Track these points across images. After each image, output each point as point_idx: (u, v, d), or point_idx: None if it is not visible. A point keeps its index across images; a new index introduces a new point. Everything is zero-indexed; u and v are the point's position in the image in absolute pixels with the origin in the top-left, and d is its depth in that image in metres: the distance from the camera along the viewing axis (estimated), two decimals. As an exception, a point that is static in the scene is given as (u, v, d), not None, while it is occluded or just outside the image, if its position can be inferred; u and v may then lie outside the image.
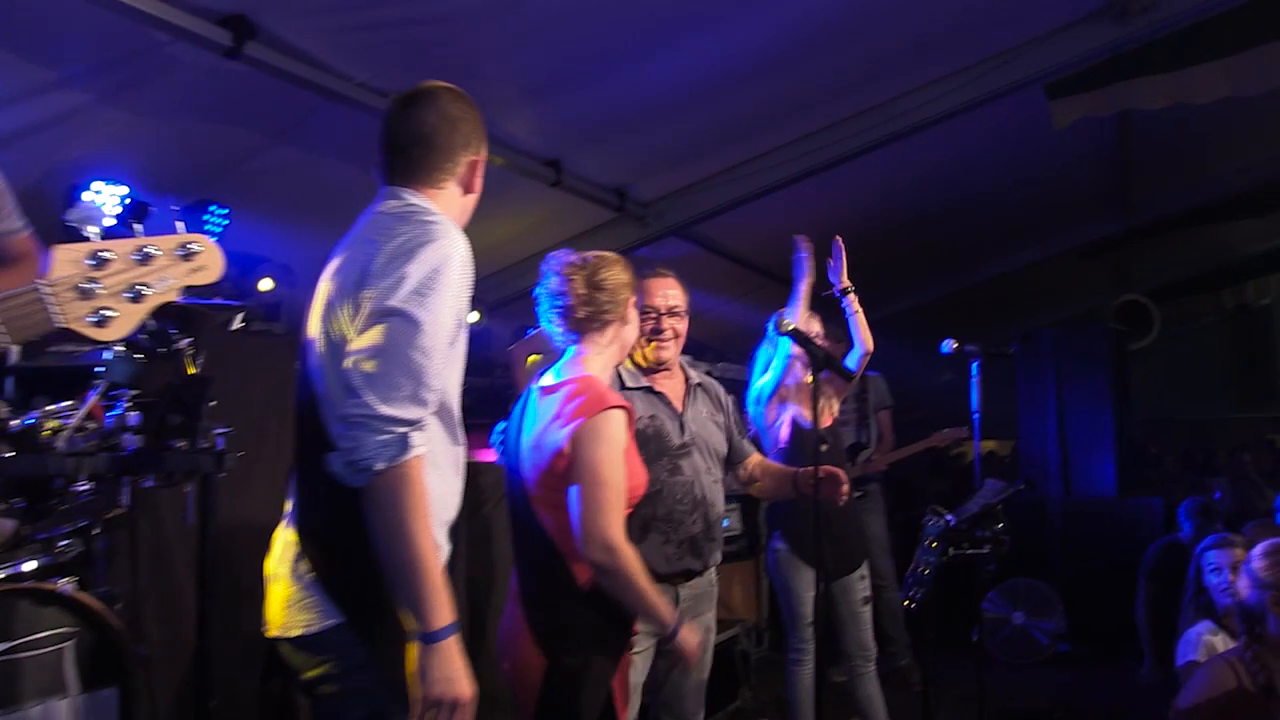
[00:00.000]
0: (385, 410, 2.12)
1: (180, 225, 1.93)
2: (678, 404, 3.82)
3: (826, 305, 4.88)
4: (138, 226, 1.98)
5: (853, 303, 4.89)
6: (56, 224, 4.73)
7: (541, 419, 3.00)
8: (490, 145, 5.55)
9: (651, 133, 6.30)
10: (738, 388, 5.15)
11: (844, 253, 4.87)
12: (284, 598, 2.32)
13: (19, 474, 3.16)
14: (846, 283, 4.88)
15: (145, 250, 1.85)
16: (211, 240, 1.90)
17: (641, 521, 3.60)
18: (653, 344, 3.77)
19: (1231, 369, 13.83)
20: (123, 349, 3.54)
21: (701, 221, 7.47)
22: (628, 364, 3.79)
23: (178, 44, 4.22)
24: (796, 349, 4.75)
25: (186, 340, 3.63)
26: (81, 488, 3.20)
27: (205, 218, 5.10)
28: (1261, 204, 10.09)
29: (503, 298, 7.64)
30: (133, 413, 3.35)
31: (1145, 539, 7.14)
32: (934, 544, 4.06)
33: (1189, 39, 6.20)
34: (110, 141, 4.72)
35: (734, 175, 7.18)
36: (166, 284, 1.86)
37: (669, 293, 3.81)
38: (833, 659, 5.22)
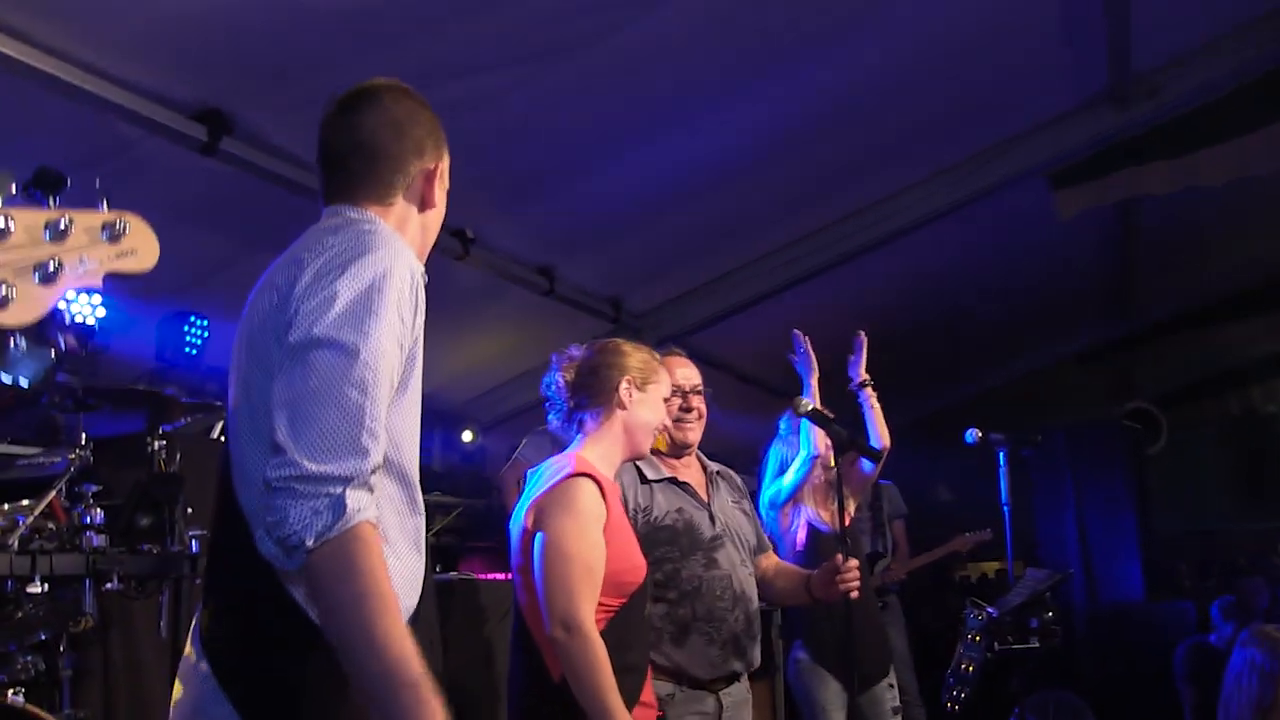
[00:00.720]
0: (313, 468, 1.65)
1: (105, 201, 1.63)
2: (703, 494, 3.58)
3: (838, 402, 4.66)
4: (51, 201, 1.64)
5: (870, 397, 4.70)
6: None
7: (521, 503, 2.84)
8: (482, 250, 5.50)
9: (639, 238, 6.17)
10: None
11: (864, 346, 4.74)
12: (181, 707, 1.86)
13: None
14: (865, 376, 4.72)
15: (59, 224, 1.52)
16: (143, 221, 1.60)
17: (680, 624, 3.35)
18: (679, 425, 3.56)
19: (1238, 478, 13.57)
20: (29, 343, 3.24)
21: (696, 332, 7.29)
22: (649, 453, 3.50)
23: (150, 140, 4.04)
24: (817, 437, 4.56)
25: (160, 435, 3.36)
26: (34, 590, 2.88)
27: (185, 328, 4.89)
28: (1265, 301, 9.99)
29: (497, 416, 7.40)
30: (97, 510, 3.05)
31: (1175, 645, 6.78)
32: (977, 639, 3.75)
33: (1194, 122, 6.10)
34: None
35: (727, 282, 7.08)
36: (85, 267, 1.51)
37: (688, 371, 3.63)
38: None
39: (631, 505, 3.41)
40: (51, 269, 1.47)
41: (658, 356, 3.11)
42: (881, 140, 5.92)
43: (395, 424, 1.84)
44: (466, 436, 7.11)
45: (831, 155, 5.89)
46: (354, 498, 1.67)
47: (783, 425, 4.64)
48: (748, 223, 6.42)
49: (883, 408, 4.68)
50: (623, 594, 2.76)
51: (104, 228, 1.53)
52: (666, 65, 4.78)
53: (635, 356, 3.00)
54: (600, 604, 2.69)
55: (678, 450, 3.58)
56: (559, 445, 5.08)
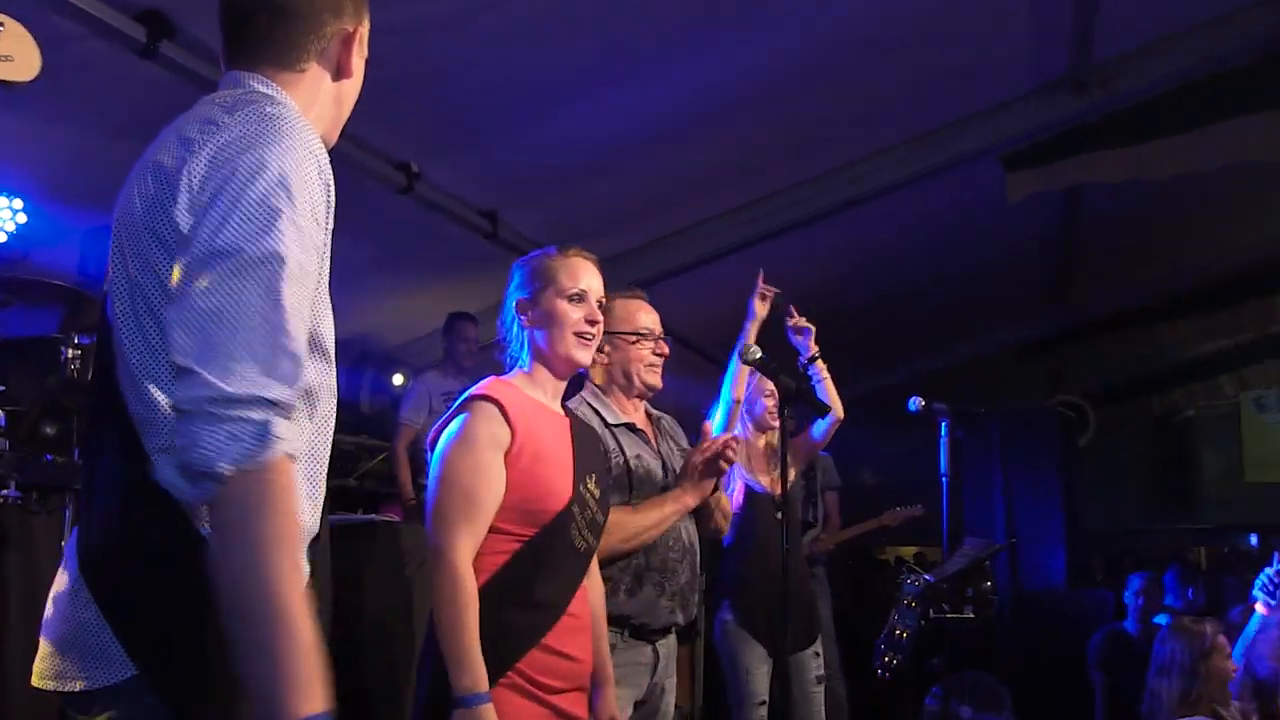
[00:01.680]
0: (231, 389, 1.45)
1: None
2: (653, 441, 3.53)
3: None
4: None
5: (821, 369, 4.69)
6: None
7: None
8: (427, 187, 5.34)
9: (583, 190, 6.03)
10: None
11: (808, 326, 4.75)
12: (59, 639, 1.65)
13: None
14: (814, 349, 4.70)
15: None
16: (19, 25, 1.39)
17: (635, 573, 3.29)
18: (651, 369, 3.48)
19: (1154, 479, 13.77)
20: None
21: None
22: (598, 395, 3.49)
23: (88, 40, 3.79)
24: (755, 386, 4.54)
25: (75, 343, 3.15)
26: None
27: (111, 241, 4.66)
28: (1200, 303, 10.09)
29: (429, 361, 7.20)
30: (-3, 415, 2.85)
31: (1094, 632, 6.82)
32: (912, 604, 3.68)
33: (1148, 113, 6.10)
34: (6, 148, 4.28)
35: (671, 242, 6.93)
36: None
37: (653, 316, 3.56)
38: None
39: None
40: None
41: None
42: (841, 108, 5.84)
43: (307, 328, 1.61)
44: (397, 380, 6.95)
45: (789, 120, 5.79)
46: (278, 425, 1.48)
47: (727, 375, 4.53)
48: (696, 183, 6.31)
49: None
50: (534, 523, 2.62)
51: None
52: (636, 9, 4.65)
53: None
54: (507, 533, 2.59)
55: (643, 393, 3.51)
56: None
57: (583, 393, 3.57)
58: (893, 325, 9.27)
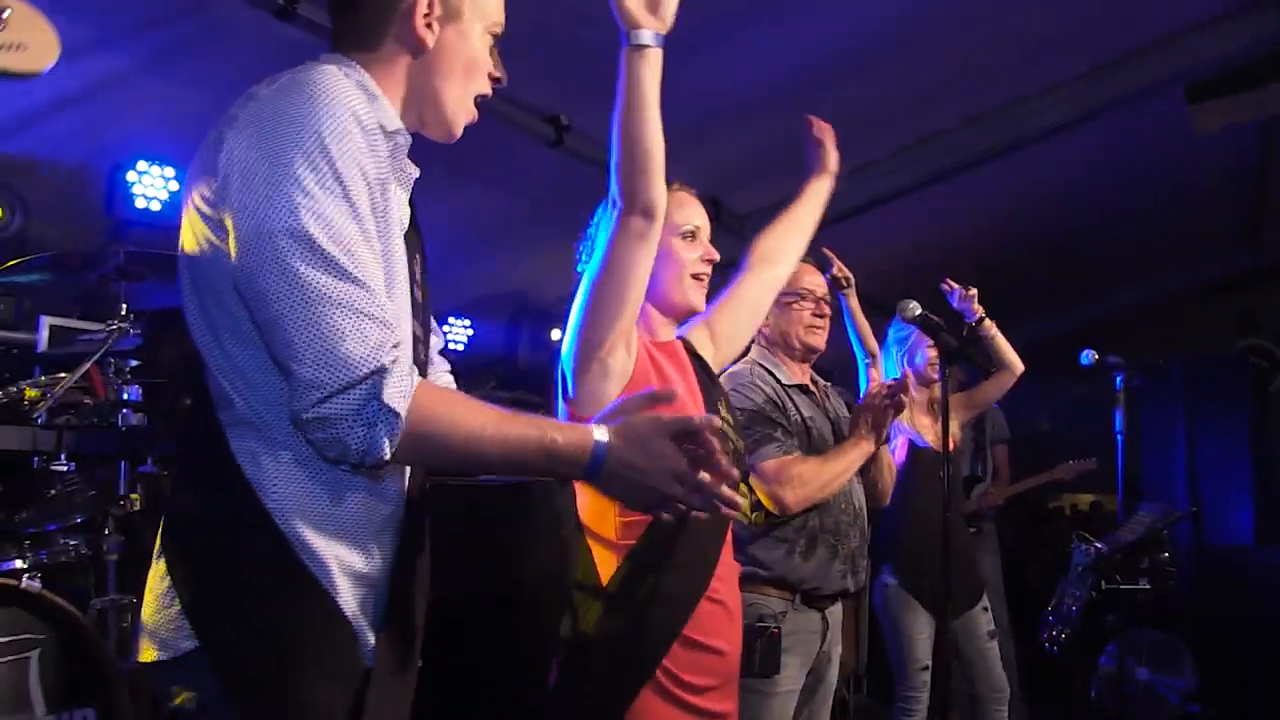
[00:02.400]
0: (333, 382, 1.48)
1: None
2: (823, 403, 3.55)
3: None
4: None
5: (990, 328, 4.53)
6: (99, 209, 4.42)
7: None
8: (577, 139, 5.24)
9: (743, 137, 5.84)
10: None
11: (966, 293, 4.58)
12: (145, 612, 1.68)
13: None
14: (980, 310, 4.54)
15: None
16: (35, 10, 1.33)
17: (809, 535, 3.26)
18: (812, 330, 3.50)
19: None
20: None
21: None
22: (769, 357, 3.53)
23: (224, 2, 3.80)
24: (918, 348, 4.41)
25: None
26: (59, 468, 2.71)
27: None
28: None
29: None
30: (134, 386, 2.85)
31: (1288, 593, 6.40)
32: (1083, 575, 3.47)
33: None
34: (154, 116, 4.34)
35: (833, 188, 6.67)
36: None
37: (817, 278, 3.66)
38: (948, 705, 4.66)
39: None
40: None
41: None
42: (1006, 44, 5.51)
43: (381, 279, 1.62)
44: (555, 335, 6.91)
45: (950, 57, 5.49)
46: (391, 389, 1.51)
47: (891, 332, 4.43)
48: (857, 125, 6.04)
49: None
50: None
51: None
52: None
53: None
54: None
55: (807, 355, 3.53)
56: None
57: (752, 353, 3.53)
58: (1068, 268, 8.84)
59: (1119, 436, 4.27)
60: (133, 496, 2.98)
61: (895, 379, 3.42)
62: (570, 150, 5.25)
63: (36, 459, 2.76)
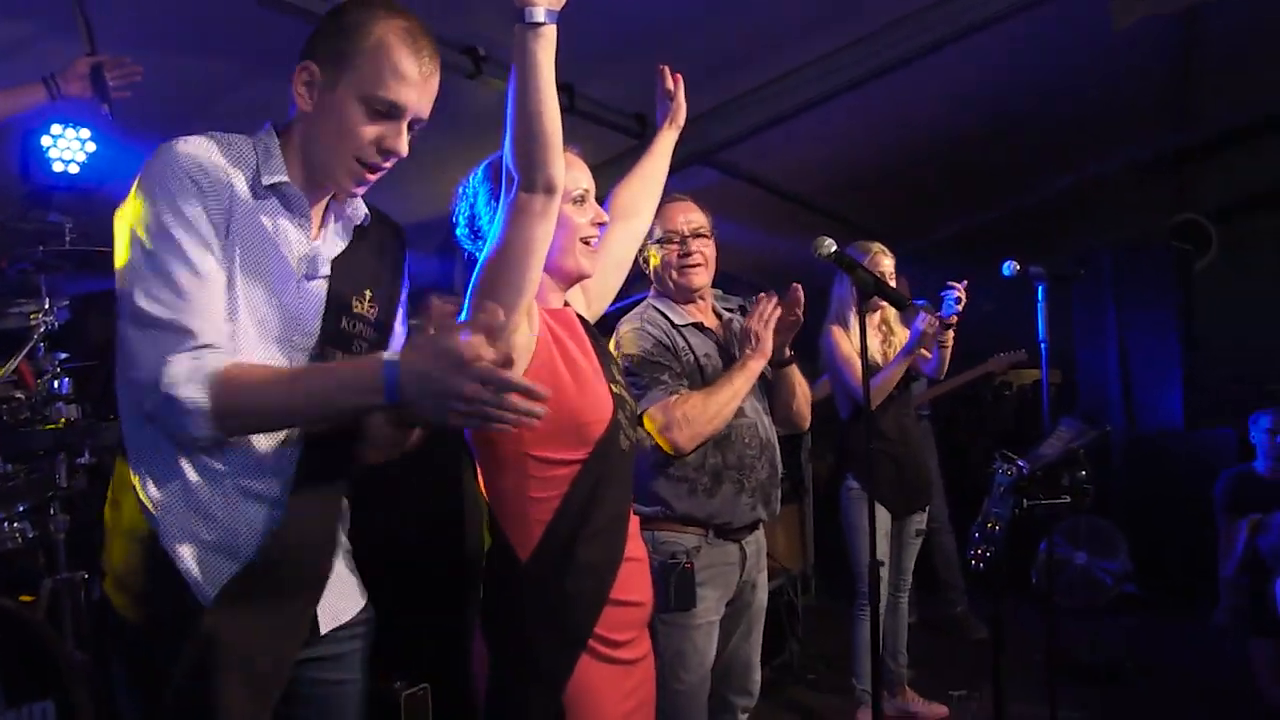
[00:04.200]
0: (149, 378, 1.87)
1: None
2: (723, 339, 3.55)
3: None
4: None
5: (947, 340, 5.15)
6: (14, 176, 4.35)
7: None
8: (494, 71, 5.19)
9: (668, 51, 5.78)
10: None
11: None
12: None
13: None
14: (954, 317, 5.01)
15: None
16: None
17: (712, 472, 3.33)
18: (682, 271, 3.50)
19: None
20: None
21: (727, 148, 6.95)
22: (662, 298, 3.59)
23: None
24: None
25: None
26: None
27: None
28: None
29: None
30: (65, 379, 2.88)
31: (1216, 474, 6.61)
32: (1004, 494, 3.60)
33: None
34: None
35: (760, 96, 6.63)
36: None
37: (690, 215, 3.52)
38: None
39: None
40: None
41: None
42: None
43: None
44: (488, 255, 6.90)
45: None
46: (182, 381, 1.84)
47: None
48: (785, 32, 6.02)
49: (927, 222, 4.75)
50: (586, 441, 2.44)
51: None
52: None
53: None
54: (559, 461, 2.41)
55: (685, 295, 3.51)
56: None
57: (649, 297, 3.56)
58: (998, 162, 8.87)
59: (1043, 345, 4.36)
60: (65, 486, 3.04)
61: (767, 292, 3.43)
62: (488, 80, 5.21)
63: (-24, 462, 2.81)
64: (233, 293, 1.95)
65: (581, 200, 2.61)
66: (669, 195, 3.48)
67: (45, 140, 4.20)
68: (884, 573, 4.64)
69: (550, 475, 2.40)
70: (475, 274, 2.29)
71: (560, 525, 2.39)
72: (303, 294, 2.06)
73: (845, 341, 4.98)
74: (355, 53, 2.01)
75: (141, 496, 1.93)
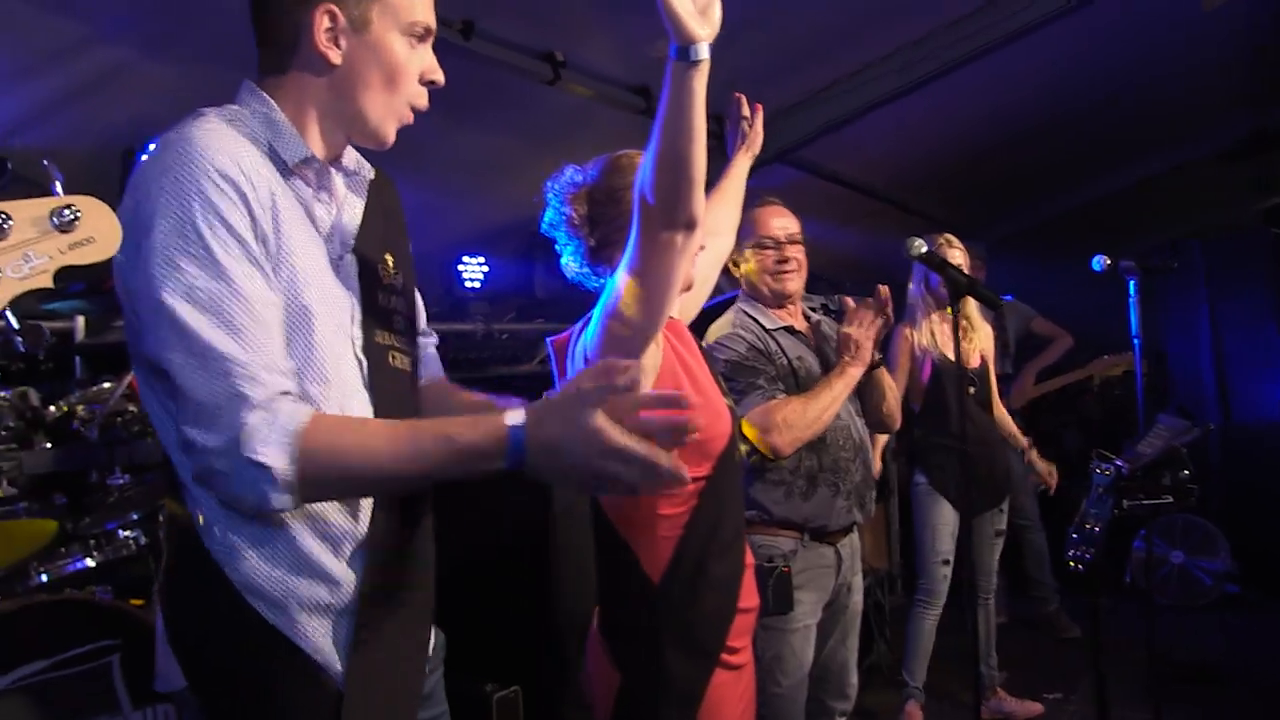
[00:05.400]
0: (214, 442, 1.56)
1: (59, 184, 1.41)
2: (813, 342, 3.58)
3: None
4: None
5: None
6: (116, 193, 4.44)
7: None
8: (575, 75, 5.21)
9: (743, 49, 5.77)
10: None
11: None
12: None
13: (47, 470, 2.81)
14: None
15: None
16: (99, 203, 1.39)
17: (807, 475, 3.35)
18: (777, 276, 3.51)
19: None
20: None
21: (805, 145, 6.91)
22: (753, 303, 3.60)
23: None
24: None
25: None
26: (116, 481, 2.84)
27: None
28: None
29: (598, 239, 7.18)
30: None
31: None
32: (1103, 494, 3.54)
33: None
34: (160, 98, 4.34)
35: (836, 91, 6.59)
36: (32, 265, 1.28)
37: (784, 220, 3.53)
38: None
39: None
40: (-6, 272, 1.26)
41: None
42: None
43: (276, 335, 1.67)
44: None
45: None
46: (259, 443, 1.54)
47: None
48: (857, 27, 5.97)
49: (1003, 212, 4.73)
50: (709, 457, 2.44)
51: (52, 215, 1.32)
52: None
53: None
54: (691, 479, 2.41)
55: (779, 300, 3.51)
56: None
57: (739, 302, 3.56)
58: (1080, 141, 8.71)
59: (1135, 342, 4.27)
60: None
61: (867, 299, 3.40)
62: (566, 85, 5.23)
63: (94, 473, 2.89)
64: (294, 302, 1.70)
65: None
66: (760, 199, 3.48)
67: (144, 157, 4.28)
68: (947, 571, 4.77)
69: (678, 492, 2.38)
70: (608, 301, 2.24)
71: (691, 542, 2.39)
72: (341, 277, 1.81)
73: (904, 343, 5.06)
74: None
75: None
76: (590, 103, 5.53)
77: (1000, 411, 5.26)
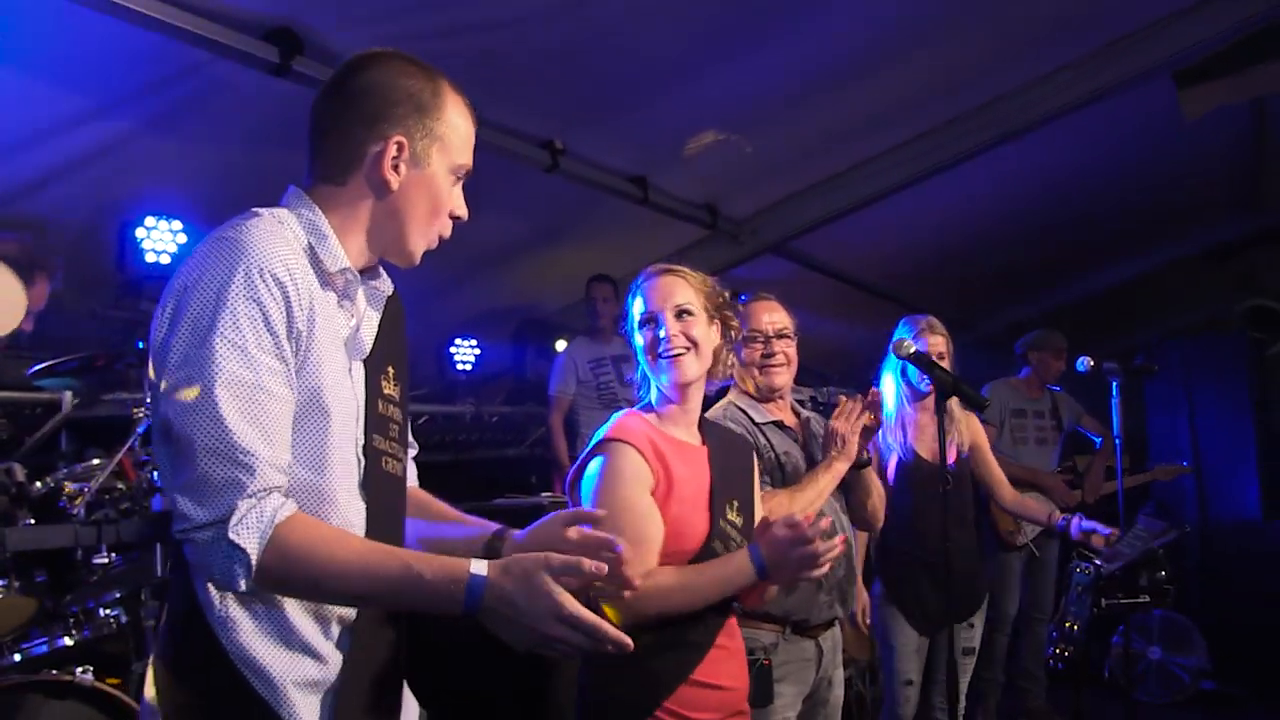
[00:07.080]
0: (203, 515, 1.64)
1: None
2: (801, 439, 3.55)
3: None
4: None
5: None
6: (111, 265, 4.51)
7: None
8: (573, 162, 5.32)
9: (737, 147, 5.90)
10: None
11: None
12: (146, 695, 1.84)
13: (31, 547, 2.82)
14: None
15: None
16: (8, 271, 1.42)
17: None
18: (764, 371, 3.50)
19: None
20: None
21: (799, 237, 7.04)
22: (744, 396, 3.55)
23: (221, 63, 3.86)
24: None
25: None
26: (100, 560, 2.86)
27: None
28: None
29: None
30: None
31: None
32: (1083, 594, 3.57)
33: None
34: (160, 174, 4.42)
35: (831, 187, 6.73)
36: None
37: (775, 316, 3.55)
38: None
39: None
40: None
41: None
42: (995, 40, 5.54)
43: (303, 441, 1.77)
44: (559, 345, 6.96)
45: (938, 58, 5.51)
46: (242, 528, 1.63)
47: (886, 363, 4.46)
48: (854, 126, 6.10)
49: (989, 312, 4.58)
50: (680, 559, 2.61)
51: None
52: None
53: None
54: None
55: (766, 394, 3.52)
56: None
57: (730, 395, 3.58)
58: (1067, 249, 8.86)
59: (1117, 440, 4.33)
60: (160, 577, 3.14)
61: (858, 395, 3.42)
62: (565, 172, 5.32)
63: (79, 551, 2.91)
64: (315, 400, 1.78)
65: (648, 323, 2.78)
66: (754, 293, 3.54)
67: (140, 232, 4.36)
68: (911, 693, 4.40)
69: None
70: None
71: (646, 634, 2.43)
72: (353, 382, 1.88)
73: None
74: (441, 124, 1.90)
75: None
76: (587, 191, 5.63)
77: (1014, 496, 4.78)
